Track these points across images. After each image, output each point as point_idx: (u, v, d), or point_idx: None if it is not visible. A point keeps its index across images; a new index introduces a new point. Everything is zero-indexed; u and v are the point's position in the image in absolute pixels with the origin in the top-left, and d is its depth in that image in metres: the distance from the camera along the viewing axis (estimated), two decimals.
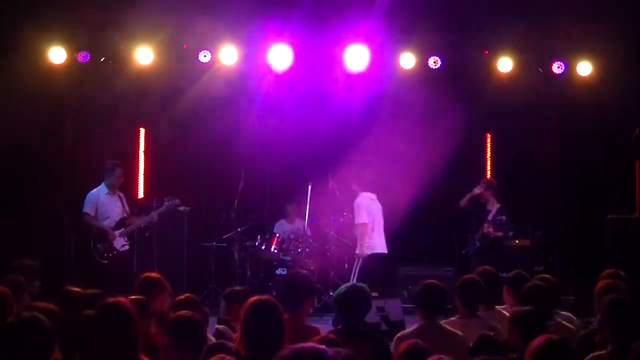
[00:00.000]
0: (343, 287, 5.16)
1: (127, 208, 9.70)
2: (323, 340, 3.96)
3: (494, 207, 10.20)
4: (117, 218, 9.51)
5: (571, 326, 5.58)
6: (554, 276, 6.22)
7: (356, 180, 10.25)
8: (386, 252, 10.18)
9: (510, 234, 10.67)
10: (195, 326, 4.35)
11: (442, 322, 5.28)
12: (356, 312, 4.97)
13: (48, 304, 4.64)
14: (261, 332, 4.16)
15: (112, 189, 9.55)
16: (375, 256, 10.00)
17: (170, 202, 9.99)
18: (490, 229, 10.06)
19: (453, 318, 5.57)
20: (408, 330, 5.29)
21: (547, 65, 11.38)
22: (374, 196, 10.22)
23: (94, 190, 9.54)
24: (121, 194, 9.74)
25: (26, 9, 10.95)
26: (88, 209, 9.43)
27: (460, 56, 11.33)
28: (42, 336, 3.70)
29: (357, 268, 9.90)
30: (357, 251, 10.08)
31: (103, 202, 9.49)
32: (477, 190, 10.30)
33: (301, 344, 2.58)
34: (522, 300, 5.30)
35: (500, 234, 10.13)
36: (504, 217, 10.14)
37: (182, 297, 5.34)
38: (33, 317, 3.84)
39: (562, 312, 5.85)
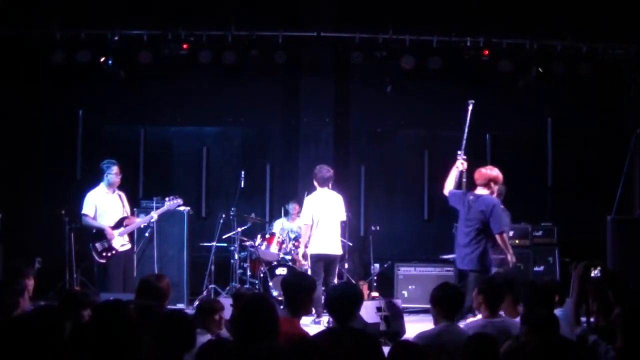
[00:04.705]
0: (333, 286, 5.15)
1: (127, 208, 9.53)
2: (294, 341, 3.97)
3: None
4: (117, 218, 9.35)
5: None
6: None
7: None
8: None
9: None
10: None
11: (466, 321, 5.30)
12: (346, 311, 4.86)
13: (48, 304, 4.64)
14: (250, 329, 4.15)
15: (110, 188, 9.36)
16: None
17: (172, 202, 9.85)
18: None
19: (476, 318, 5.58)
20: (428, 330, 5.26)
21: (547, 65, 11.37)
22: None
23: (93, 190, 9.36)
24: (121, 193, 9.51)
25: (26, 8, 10.96)
26: (87, 209, 9.25)
27: (460, 56, 11.32)
28: (36, 336, 3.65)
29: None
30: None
31: (102, 202, 9.30)
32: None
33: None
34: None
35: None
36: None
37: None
38: (27, 317, 3.81)
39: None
